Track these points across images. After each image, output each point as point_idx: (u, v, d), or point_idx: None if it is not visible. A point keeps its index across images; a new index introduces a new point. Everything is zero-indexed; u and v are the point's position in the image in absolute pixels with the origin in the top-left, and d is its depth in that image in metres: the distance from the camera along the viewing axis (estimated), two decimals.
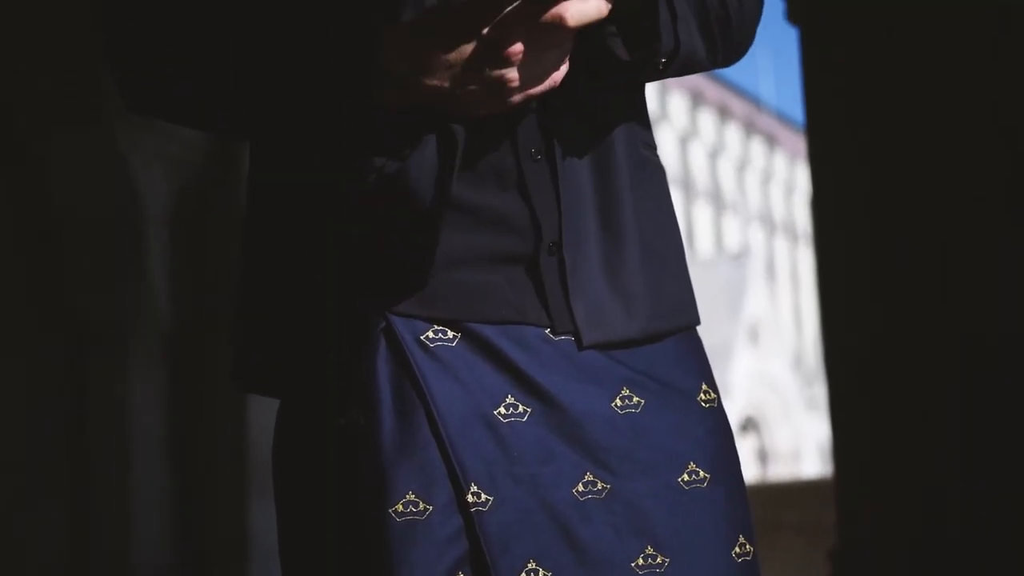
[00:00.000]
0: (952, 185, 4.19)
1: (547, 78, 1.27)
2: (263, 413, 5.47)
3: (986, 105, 4.16)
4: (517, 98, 1.26)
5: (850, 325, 4.44)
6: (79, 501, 5.72)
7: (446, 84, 1.24)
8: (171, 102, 1.37)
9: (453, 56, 1.23)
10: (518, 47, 1.22)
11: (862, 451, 4.41)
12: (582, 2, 1.23)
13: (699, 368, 1.42)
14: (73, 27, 5.50)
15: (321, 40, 1.27)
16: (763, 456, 31.01)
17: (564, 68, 1.28)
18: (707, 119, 38.05)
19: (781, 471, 29.70)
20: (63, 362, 5.77)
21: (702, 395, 1.40)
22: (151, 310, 5.81)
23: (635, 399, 1.35)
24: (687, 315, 1.43)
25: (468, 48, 1.22)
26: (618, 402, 1.34)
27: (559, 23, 1.22)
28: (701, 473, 1.36)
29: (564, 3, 1.22)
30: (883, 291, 4.33)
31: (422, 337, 1.30)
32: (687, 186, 35.90)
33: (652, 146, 1.45)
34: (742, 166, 39.55)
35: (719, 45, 1.41)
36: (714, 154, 38.04)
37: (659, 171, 1.45)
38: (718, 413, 1.40)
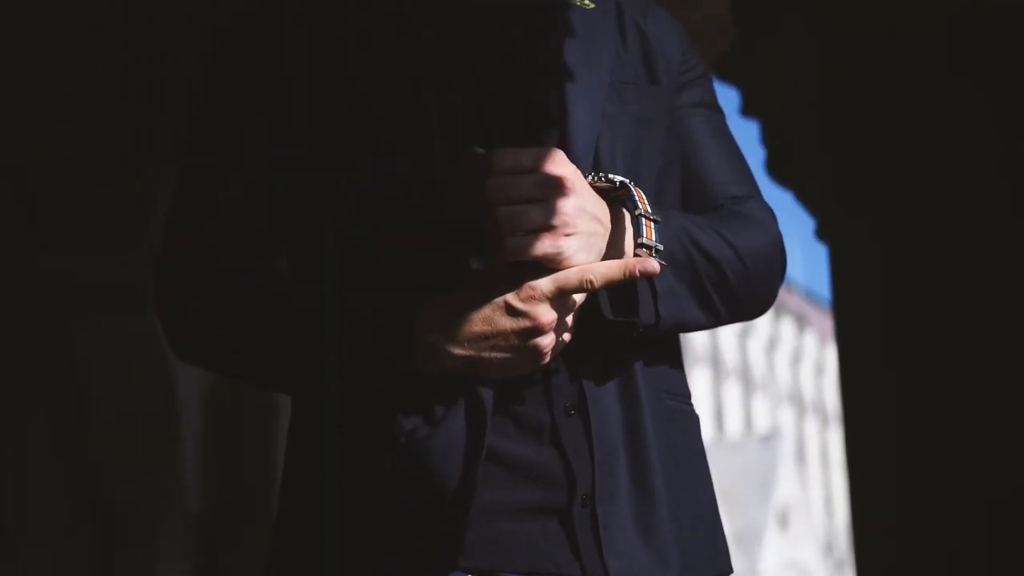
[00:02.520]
0: (982, 360, 4.20)
1: (564, 336, 1.35)
2: None
3: (1017, 280, 4.21)
4: (546, 361, 1.33)
5: (879, 511, 4.40)
6: None
7: (479, 354, 1.32)
8: (218, 363, 1.46)
9: (487, 327, 1.31)
10: (551, 316, 1.30)
11: None
12: (604, 264, 1.33)
13: None
14: (115, 215, 5.61)
15: (361, 310, 1.35)
16: None
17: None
18: None
19: None
20: (88, 554, 5.74)
21: None
22: (182, 503, 5.80)
23: None
24: (719, 563, 1.47)
25: (501, 320, 1.30)
26: None
27: (588, 286, 1.31)
28: None
29: (590, 266, 1.31)
30: (913, 478, 4.30)
31: None
32: (716, 365, 35.88)
33: (682, 395, 1.50)
34: (771, 346, 39.55)
35: (720, 307, 1.46)
36: (743, 334, 38.10)
37: (689, 419, 1.49)
38: None
